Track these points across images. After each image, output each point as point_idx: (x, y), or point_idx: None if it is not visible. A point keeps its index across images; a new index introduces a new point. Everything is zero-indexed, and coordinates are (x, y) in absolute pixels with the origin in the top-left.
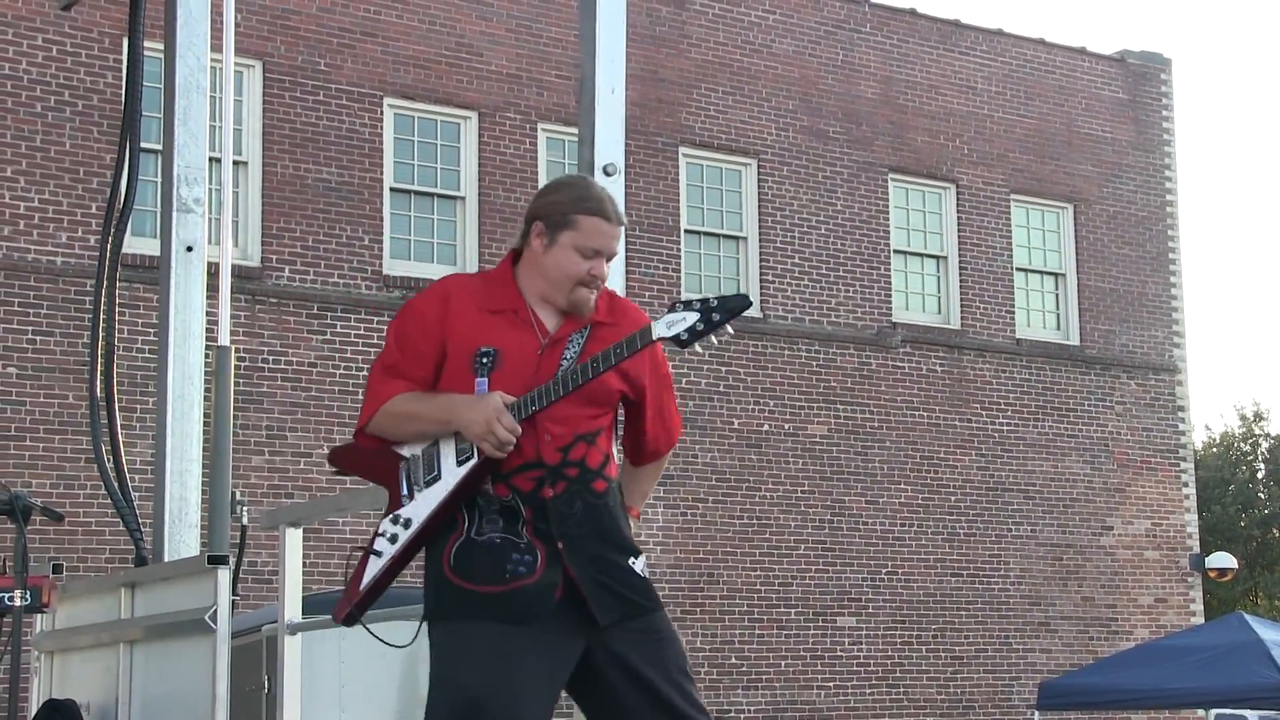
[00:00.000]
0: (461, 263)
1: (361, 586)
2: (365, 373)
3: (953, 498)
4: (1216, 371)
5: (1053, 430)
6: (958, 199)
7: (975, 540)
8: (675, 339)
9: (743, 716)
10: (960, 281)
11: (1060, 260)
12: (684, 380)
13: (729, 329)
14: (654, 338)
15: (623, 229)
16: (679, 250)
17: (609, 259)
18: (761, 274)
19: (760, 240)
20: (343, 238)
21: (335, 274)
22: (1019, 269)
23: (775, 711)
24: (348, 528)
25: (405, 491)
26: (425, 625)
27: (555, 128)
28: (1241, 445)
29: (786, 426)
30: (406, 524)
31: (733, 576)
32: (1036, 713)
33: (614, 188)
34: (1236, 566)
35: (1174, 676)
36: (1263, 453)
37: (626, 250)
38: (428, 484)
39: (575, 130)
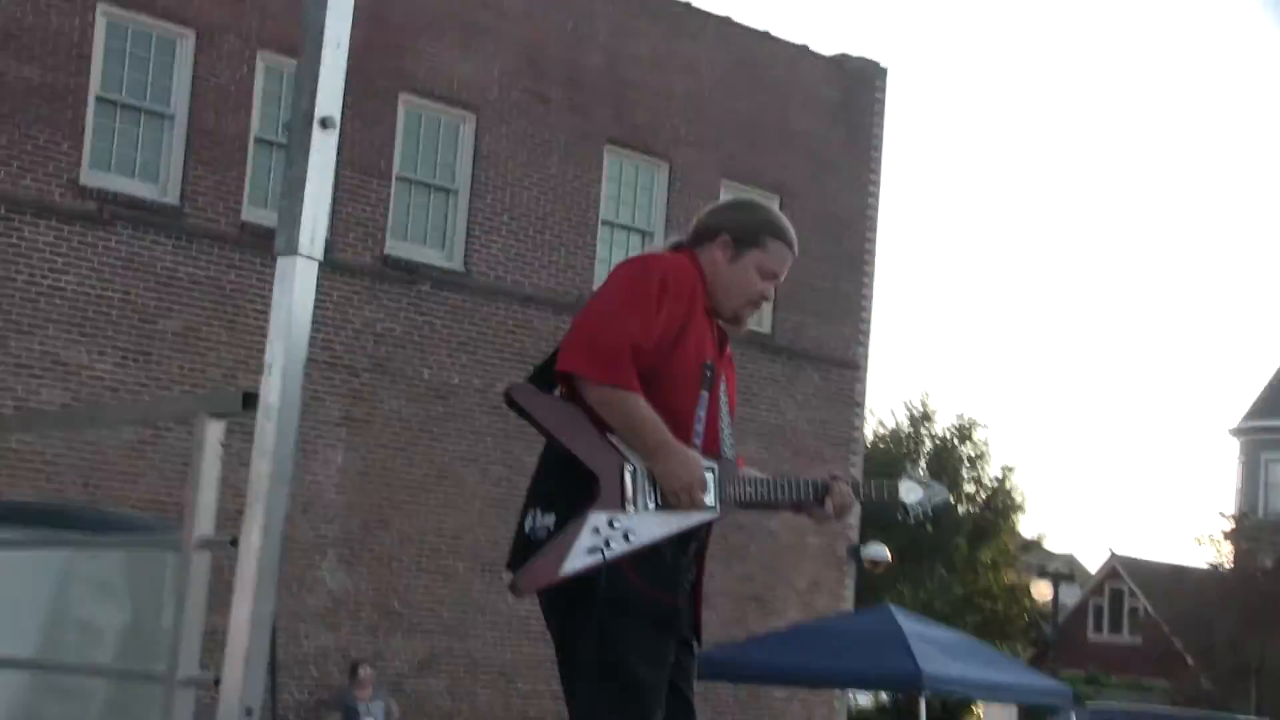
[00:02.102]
0: (163, 181)
1: (562, 573)
2: (66, 281)
3: None
4: (893, 369)
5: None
6: (670, 177)
7: None
8: (905, 508)
9: (398, 660)
10: None
11: None
12: (379, 325)
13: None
14: (900, 498)
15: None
16: (389, 195)
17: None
18: (469, 228)
19: (471, 195)
20: (39, 140)
21: (28, 176)
22: None
23: (431, 658)
24: None
25: (630, 498)
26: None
27: (275, 57)
28: (908, 443)
29: (476, 382)
30: (626, 536)
31: (405, 524)
32: None
33: (329, 140)
34: (890, 560)
35: (818, 657)
36: (926, 451)
37: (335, 190)
38: (658, 508)
39: (294, 62)
